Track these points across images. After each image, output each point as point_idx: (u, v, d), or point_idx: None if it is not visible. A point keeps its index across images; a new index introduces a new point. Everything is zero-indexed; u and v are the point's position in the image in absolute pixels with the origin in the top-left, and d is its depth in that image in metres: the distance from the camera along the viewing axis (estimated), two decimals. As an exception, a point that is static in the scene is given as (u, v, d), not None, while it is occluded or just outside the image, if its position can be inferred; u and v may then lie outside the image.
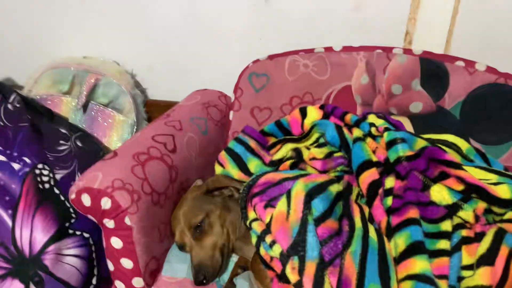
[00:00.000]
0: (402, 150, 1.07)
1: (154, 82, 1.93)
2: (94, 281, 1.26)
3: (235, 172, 1.29)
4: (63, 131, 1.43)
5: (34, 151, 1.24)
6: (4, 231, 1.13)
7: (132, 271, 1.08)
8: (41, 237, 1.16)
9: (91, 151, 1.46)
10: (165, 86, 1.90)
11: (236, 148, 1.32)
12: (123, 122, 1.74)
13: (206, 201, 1.18)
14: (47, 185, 1.22)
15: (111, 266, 1.10)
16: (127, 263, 1.07)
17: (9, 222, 1.14)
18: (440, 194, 1.01)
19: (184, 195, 1.23)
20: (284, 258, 0.93)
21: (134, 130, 1.76)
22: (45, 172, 1.23)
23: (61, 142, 1.37)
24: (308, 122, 1.29)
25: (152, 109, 1.90)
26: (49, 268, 1.15)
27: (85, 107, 1.73)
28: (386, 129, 1.14)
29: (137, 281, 1.09)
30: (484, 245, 0.91)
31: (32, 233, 1.15)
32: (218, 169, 1.33)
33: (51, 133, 1.38)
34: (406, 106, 1.38)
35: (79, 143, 1.43)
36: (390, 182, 1.07)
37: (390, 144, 1.10)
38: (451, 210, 0.99)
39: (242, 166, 1.29)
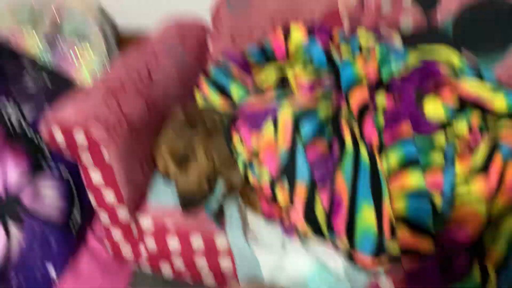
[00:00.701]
0: (395, 65, 1.03)
1: (123, 14, 1.80)
2: (75, 214, 1.22)
3: (216, 98, 1.23)
4: (29, 66, 1.33)
5: (-1, 87, 1.16)
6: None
7: (115, 202, 1.04)
8: (15, 175, 1.11)
9: (61, 87, 1.38)
10: (134, 12, 1.78)
11: (217, 74, 1.26)
12: (93, 56, 1.64)
13: (188, 129, 1.13)
14: (15, 123, 1.14)
15: (92, 199, 1.06)
16: (109, 195, 1.03)
17: (-21, 157, 1.07)
18: (433, 108, 0.99)
19: (164, 125, 1.18)
20: (274, 182, 0.92)
21: (105, 63, 1.66)
22: (12, 110, 1.15)
23: (27, 78, 1.28)
24: (292, 43, 1.23)
25: (123, 42, 1.79)
26: (26, 205, 1.11)
27: (52, 41, 1.61)
28: (378, 44, 1.09)
29: (122, 212, 1.06)
30: (478, 155, 0.90)
31: (6, 172, 1.10)
32: (198, 97, 1.28)
33: (16, 69, 1.30)
34: (396, 24, 1.31)
35: (47, 79, 1.34)
36: (381, 99, 1.04)
37: (383, 60, 1.05)
38: (445, 124, 0.98)
39: (224, 92, 1.23)
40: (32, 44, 1.62)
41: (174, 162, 1.09)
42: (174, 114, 1.22)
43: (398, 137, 0.96)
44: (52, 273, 1.14)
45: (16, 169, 1.11)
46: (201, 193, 1.08)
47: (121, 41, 1.78)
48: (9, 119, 1.14)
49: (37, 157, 1.16)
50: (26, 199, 1.11)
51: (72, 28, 1.66)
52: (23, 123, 1.17)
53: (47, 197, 1.15)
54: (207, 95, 1.25)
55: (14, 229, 1.08)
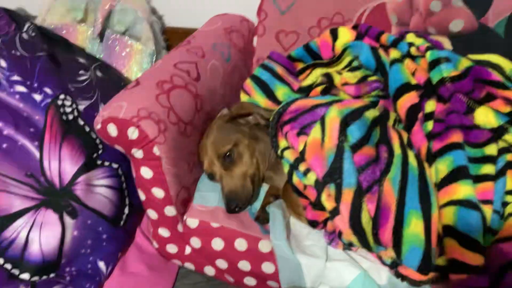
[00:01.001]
0: (446, 71, 1.00)
1: (171, 8, 1.83)
2: (126, 210, 1.26)
3: (262, 100, 1.24)
4: (82, 60, 1.37)
5: (54, 81, 1.20)
6: (32, 163, 1.12)
7: (164, 200, 1.07)
8: (70, 168, 1.15)
9: (112, 81, 1.42)
10: (183, 12, 1.80)
11: (263, 75, 1.26)
12: (141, 51, 1.67)
13: (233, 130, 1.14)
14: (70, 116, 1.19)
15: (142, 196, 1.09)
16: (158, 193, 1.06)
17: (37, 154, 1.13)
18: (485, 116, 0.95)
19: (210, 125, 1.19)
20: (320, 185, 0.91)
21: (154, 59, 1.69)
22: (68, 103, 1.20)
23: (81, 72, 1.32)
24: (339, 44, 1.21)
25: (171, 37, 1.82)
26: (80, 198, 1.15)
27: (101, 36, 1.65)
28: (428, 48, 1.05)
29: (169, 210, 1.08)
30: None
31: (61, 164, 1.14)
32: (244, 98, 1.28)
33: (69, 63, 1.34)
34: (446, 25, 1.27)
35: (99, 73, 1.38)
36: (431, 105, 1.00)
37: (433, 64, 1.02)
38: (497, 133, 0.94)
39: (269, 93, 1.24)
40: (83, 38, 1.67)
41: (220, 162, 1.11)
42: (220, 115, 1.23)
43: (448, 146, 0.93)
44: (102, 267, 1.19)
45: (71, 162, 1.16)
46: (245, 195, 1.09)
47: (169, 37, 1.81)
48: (65, 113, 1.19)
49: (91, 151, 1.20)
50: (80, 192, 1.16)
51: (122, 21, 1.70)
52: (79, 117, 1.21)
53: (100, 191, 1.19)
54: (253, 96, 1.25)
55: (68, 221, 1.13)
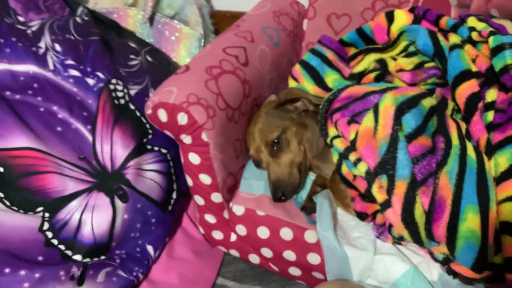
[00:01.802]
0: (510, 57, 0.93)
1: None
2: (174, 195, 1.28)
3: (310, 86, 1.21)
4: (133, 45, 1.39)
5: (107, 66, 1.22)
6: (85, 146, 1.15)
7: (211, 186, 1.07)
8: (121, 152, 1.17)
9: (162, 66, 1.43)
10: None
11: (312, 61, 1.22)
12: (190, 36, 1.67)
13: (281, 117, 1.13)
14: (122, 101, 1.21)
15: (189, 182, 1.10)
16: (205, 179, 1.06)
17: (90, 137, 1.15)
18: (551, 107, 0.88)
19: (257, 111, 1.18)
20: (371, 176, 0.88)
21: (202, 44, 1.69)
22: (119, 88, 1.22)
23: (132, 56, 1.34)
24: (395, 28, 1.15)
25: (219, 21, 1.81)
26: (131, 182, 1.17)
27: (151, 20, 1.67)
28: (491, 33, 0.98)
29: (216, 196, 1.09)
30: None
31: (112, 148, 1.17)
32: (292, 84, 1.26)
33: (120, 47, 1.35)
34: (510, 7, 1.18)
35: (149, 58, 1.39)
36: (492, 94, 0.94)
37: (497, 50, 0.95)
38: None
39: (319, 80, 1.20)
40: (134, 22, 1.69)
41: (267, 150, 1.10)
42: (268, 101, 1.22)
43: (509, 138, 0.87)
44: (151, 250, 1.21)
45: (123, 146, 1.18)
46: (292, 183, 1.08)
47: (217, 21, 1.80)
48: (117, 97, 1.21)
49: (142, 135, 1.22)
50: (131, 176, 1.18)
51: (171, 5, 1.70)
52: (130, 102, 1.23)
53: (149, 175, 1.21)
54: (301, 82, 1.23)
55: (119, 204, 1.16)
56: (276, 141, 1.09)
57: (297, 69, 1.24)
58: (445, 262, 0.89)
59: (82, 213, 1.11)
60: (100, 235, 1.13)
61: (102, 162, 1.16)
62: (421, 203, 0.84)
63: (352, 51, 1.24)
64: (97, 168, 1.15)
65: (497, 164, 0.86)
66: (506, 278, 0.79)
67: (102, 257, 1.15)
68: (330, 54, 1.22)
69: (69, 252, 1.12)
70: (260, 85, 1.23)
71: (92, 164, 1.15)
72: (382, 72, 1.12)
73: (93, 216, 1.12)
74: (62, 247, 1.11)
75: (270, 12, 1.40)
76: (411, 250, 0.96)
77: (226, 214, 1.13)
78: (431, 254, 0.91)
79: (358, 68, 1.17)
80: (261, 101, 1.23)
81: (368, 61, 1.16)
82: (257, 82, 1.20)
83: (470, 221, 0.81)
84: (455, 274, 0.89)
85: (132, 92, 1.24)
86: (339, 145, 0.97)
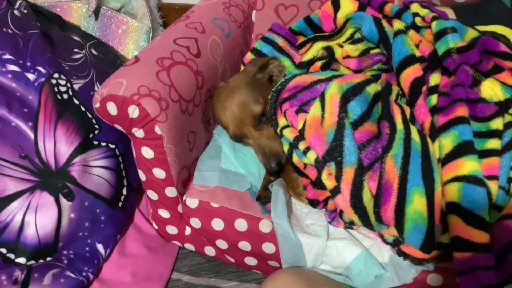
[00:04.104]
0: (452, 41, 0.95)
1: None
2: (124, 191, 1.24)
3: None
4: (76, 38, 1.34)
5: (48, 60, 1.17)
6: (26, 144, 1.10)
7: (165, 180, 1.05)
8: (65, 149, 1.13)
9: (108, 59, 1.39)
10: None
11: (264, 48, 1.22)
12: (138, 29, 1.63)
13: (259, 87, 1.08)
14: (65, 95, 1.16)
15: (142, 176, 1.07)
16: (159, 173, 1.04)
17: (31, 135, 1.10)
18: (491, 89, 0.91)
19: (223, 86, 1.13)
20: (320, 164, 0.89)
21: (150, 37, 1.65)
22: (62, 82, 1.17)
23: (75, 50, 1.29)
24: (341, 16, 1.16)
25: (167, 14, 1.78)
26: (77, 179, 1.13)
27: (96, 13, 1.61)
28: (434, 18, 1.01)
29: (170, 191, 1.07)
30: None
31: (56, 145, 1.12)
32: (243, 72, 1.24)
33: (63, 41, 1.30)
34: (451, -6, 1.22)
35: (94, 51, 1.35)
36: (435, 78, 0.97)
37: (439, 34, 0.97)
38: (503, 107, 0.90)
39: None
40: (78, 16, 1.63)
41: (253, 123, 1.05)
42: (240, 73, 1.17)
43: (453, 120, 0.89)
44: (101, 249, 1.18)
45: (67, 142, 1.13)
46: (284, 154, 1.02)
47: (166, 14, 1.76)
48: (60, 92, 1.16)
49: (87, 131, 1.17)
50: (76, 173, 1.13)
51: (118, 0, 1.65)
52: (74, 97, 1.18)
53: (97, 172, 1.17)
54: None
55: (65, 203, 1.12)
56: (262, 113, 1.05)
57: (249, 56, 1.23)
58: (395, 244, 0.91)
59: (24, 213, 1.07)
60: (45, 236, 1.08)
61: (45, 159, 1.11)
62: (369, 187, 0.85)
63: (301, 39, 1.24)
64: (39, 166, 1.10)
65: (441, 146, 0.89)
66: (454, 256, 0.81)
67: (48, 259, 1.11)
68: (281, 41, 1.22)
69: (11, 255, 1.07)
70: (213, 76, 1.21)
71: (34, 162, 1.10)
72: (329, 60, 1.12)
73: (37, 217, 1.07)
74: (3, 250, 1.06)
75: (220, 3, 1.38)
76: (362, 233, 0.97)
77: (180, 208, 1.11)
78: (382, 236, 0.93)
79: (306, 57, 1.17)
80: (213, 91, 1.22)
81: (316, 49, 1.16)
82: (210, 73, 1.18)
83: (417, 203, 0.83)
84: (405, 255, 0.91)
85: (76, 86, 1.19)
86: (289, 134, 0.96)
